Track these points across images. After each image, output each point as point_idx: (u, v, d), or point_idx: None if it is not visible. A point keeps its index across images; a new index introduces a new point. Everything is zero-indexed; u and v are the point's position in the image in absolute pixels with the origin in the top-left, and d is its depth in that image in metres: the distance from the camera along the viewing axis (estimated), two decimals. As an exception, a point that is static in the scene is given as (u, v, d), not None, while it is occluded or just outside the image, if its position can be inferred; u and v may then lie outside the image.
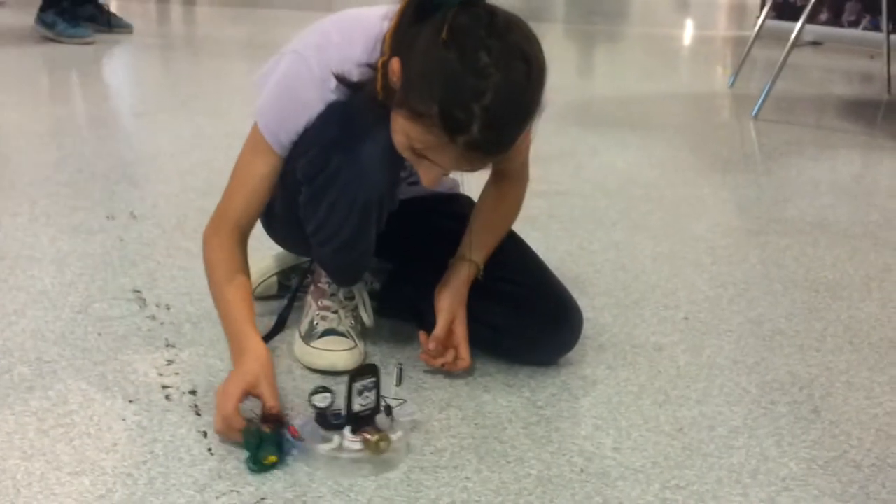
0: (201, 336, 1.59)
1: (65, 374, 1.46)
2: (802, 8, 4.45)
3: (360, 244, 1.44)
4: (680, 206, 2.47)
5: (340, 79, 1.35)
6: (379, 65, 1.29)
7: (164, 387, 1.43)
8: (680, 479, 1.27)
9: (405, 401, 1.36)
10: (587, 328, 1.64)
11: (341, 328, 1.55)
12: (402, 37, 1.27)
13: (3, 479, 1.19)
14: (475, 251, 1.56)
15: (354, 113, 1.35)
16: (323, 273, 1.58)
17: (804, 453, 1.35)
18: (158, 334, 1.59)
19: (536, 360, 1.57)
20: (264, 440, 1.25)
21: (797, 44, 3.58)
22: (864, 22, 4.61)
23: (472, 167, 1.29)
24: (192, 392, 1.42)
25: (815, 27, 3.91)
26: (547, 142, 3.00)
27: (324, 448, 1.26)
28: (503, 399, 1.46)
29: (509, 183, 1.60)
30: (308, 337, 1.54)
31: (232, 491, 1.19)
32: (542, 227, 2.23)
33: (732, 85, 4.05)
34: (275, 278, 1.74)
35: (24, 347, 1.53)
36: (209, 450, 1.28)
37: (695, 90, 4.20)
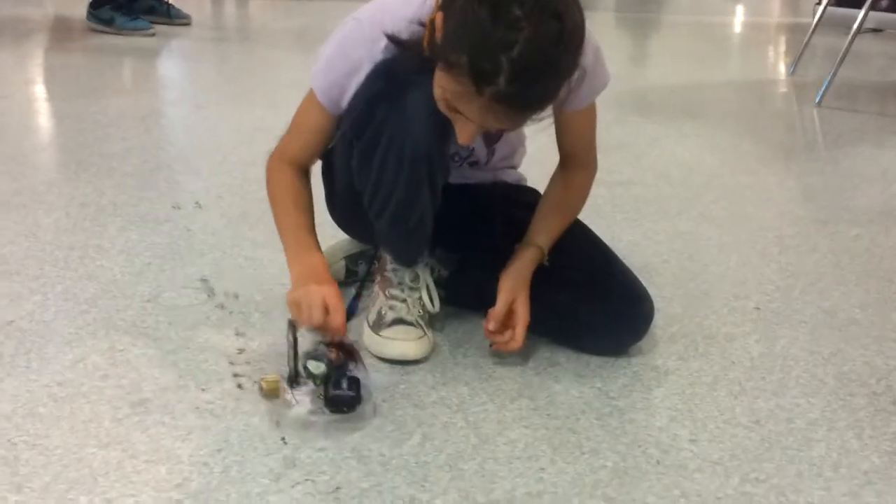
0: (271, 325, 1.59)
1: (137, 362, 1.46)
2: (863, -6, 4.37)
3: (415, 208, 1.44)
4: (744, 194, 2.43)
5: (391, 37, 1.37)
6: (428, 21, 1.30)
7: (236, 375, 1.43)
8: (760, 473, 1.24)
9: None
10: (657, 318, 1.62)
11: (409, 317, 1.54)
12: None
13: (81, 467, 1.20)
14: (540, 236, 1.55)
15: (399, 68, 1.37)
16: (388, 260, 1.57)
17: (886, 446, 1.32)
18: (228, 323, 1.60)
19: (605, 348, 1.55)
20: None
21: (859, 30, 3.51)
22: (928, 7, 4.51)
23: (499, 122, 1.29)
24: (264, 381, 1.42)
25: (876, 14, 3.82)
26: (607, 131, 2.96)
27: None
28: (575, 390, 1.44)
29: (575, 170, 1.59)
30: (377, 326, 1.53)
31: (307, 480, 1.19)
32: (606, 216, 2.20)
33: (793, 72, 3.98)
34: (342, 263, 1.74)
35: (97, 336, 1.54)
36: (283, 439, 1.27)
37: (754, 77, 4.14)
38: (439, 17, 1.25)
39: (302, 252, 1.47)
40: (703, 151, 2.85)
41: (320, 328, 1.40)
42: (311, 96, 1.49)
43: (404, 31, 1.36)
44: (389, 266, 1.58)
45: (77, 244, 1.90)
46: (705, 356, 1.56)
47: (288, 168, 1.53)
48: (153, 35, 4.37)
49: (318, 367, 1.33)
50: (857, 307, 1.76)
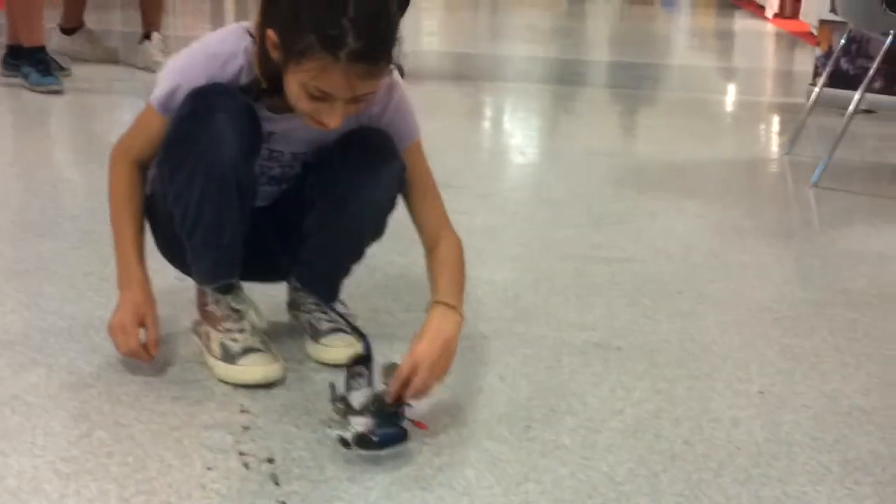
0: (275, 401, 1.59)
1: (142, 438, 1.46)
2: (855, 76, 4.44)
3: (226, 225, 1.55)
4: (743, 274, 2.45)
5: (244, 89, 1.54)
6: (256, 46, 1.50)
7: (242, 454, 1.43)
8: (768, 562, 1.24)
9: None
10: (660, 400, 1.62)
11: (258, 345, 1.65)
12: (267, 12, 1.47)
13: (87, 546, 1.19)
14: (447, 294, 1.59)
15: (208, 91, 1.52)
16: (206, 294, 1.67)
17: (893, 537, 1.32)
18: (233, 399, 1.60)
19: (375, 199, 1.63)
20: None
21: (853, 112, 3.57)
22: (919, 90, 4.59)
23: (364, 85, 1.43)
24: (270, 460, 1.41)
25: (869, 95, 3.87)
26: (605, 206, 3.00)
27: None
28: (581, 473, 1.44)
29: (442, 240, 1.66)
30: (230, 359, 1.63)
31: (314, 564, 1.19)
32: (605, 294, 2.21)
33: (789, 152, 4.03)
34: None
35: (102, 411, 1.53)
36: (289, 520, 1.27)
37: (750, 156, 4.19)
38: (271, 32, 1.44)
39: (129, 269, 1.65)
40: (701, 229, 2.87)
41: (135, 355, 1.62)
42: (149, 108, 1.60)
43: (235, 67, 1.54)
44: (210, 300, 1.66)
45: (80, 315, 1.90)
46: (710, 440, 1.56)
47: (129, 165, 1.64)
48: (61, 92, 4.15)
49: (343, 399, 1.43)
50: (859, 392, 1.77)
